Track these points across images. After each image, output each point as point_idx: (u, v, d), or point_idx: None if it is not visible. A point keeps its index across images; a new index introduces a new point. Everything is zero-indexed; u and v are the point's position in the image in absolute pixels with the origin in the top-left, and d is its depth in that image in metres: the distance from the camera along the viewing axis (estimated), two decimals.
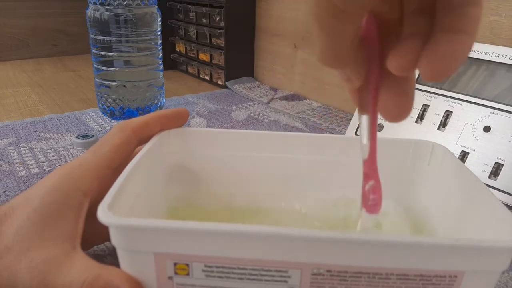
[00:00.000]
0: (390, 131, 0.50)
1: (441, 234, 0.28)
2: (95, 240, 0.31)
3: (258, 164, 0.33)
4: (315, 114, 0.65)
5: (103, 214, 0.20)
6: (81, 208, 0.25)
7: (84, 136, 0.52)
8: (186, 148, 0.33)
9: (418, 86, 0.49)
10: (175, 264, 0.21)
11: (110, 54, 0.59)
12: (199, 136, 0.33)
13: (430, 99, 0.48)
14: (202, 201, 0.33)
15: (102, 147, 0.28)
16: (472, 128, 0.44)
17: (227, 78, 0.82)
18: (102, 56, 0.59)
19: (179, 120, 0.32)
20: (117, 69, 0.60)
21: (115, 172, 0.27)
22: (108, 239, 0.21)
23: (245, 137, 0.33)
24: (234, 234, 0.20)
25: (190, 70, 0.93)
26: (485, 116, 0.43)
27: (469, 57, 0.46)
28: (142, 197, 0.27)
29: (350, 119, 0.62)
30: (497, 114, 0.43)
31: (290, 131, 0.59)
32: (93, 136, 0.53)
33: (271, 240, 0.20)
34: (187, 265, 0.21)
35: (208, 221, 0.30)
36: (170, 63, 0.96)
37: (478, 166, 0.42)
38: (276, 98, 0.74)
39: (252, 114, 0.66)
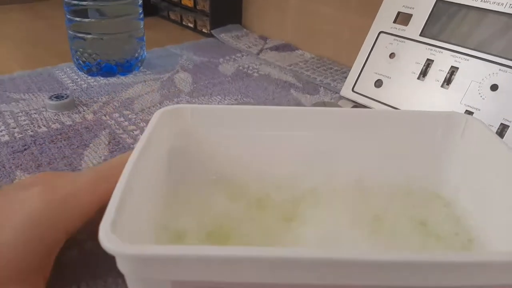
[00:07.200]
0: (390, 88, 0.47)
1: (476, 224, 0.27)
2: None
3: (271, 144, 0.30)
4: (308, 67, 0.61)
5: (108, 241, 0.17)
6: (56, 247, 0.23)
7: (58, 97, 0.48)
8: (189, 131, 0.30)
9: (421, 39, 0.45)
10: None
11: (84, 3, 0.53)
12: (203, 114, 0.30)
13: (434, 54, 0.44)
14: (211, 191, 0.30)
15: (105, 182, 0.24)
16: (479, 86, 0.41)
17: (213, 26, 0.76)
18: (74, 5, 0.53)
19: None
20: (92, 20, 0.54)
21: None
22: None
23: (255, 114, 0.30)
24: (271, 261, 0.17)
25: (172, 16, 0.86)
26: (493, 73, 0.40)
27: (480, 8, 0.42)
28: (145, 202, 0.24)
29: (345, 72, 0.59)
30: (506, 71, 0.39)
31: (281, 85, 0.55)
32: (68, 96, 0.48)
33: (315, 266, 0.17)
34: None
35: (221, 215, 0.28)
36: (150, 8, 0.89)
37: None
38: (266, 49, 0.69)
39: (240, 68, 0.61)
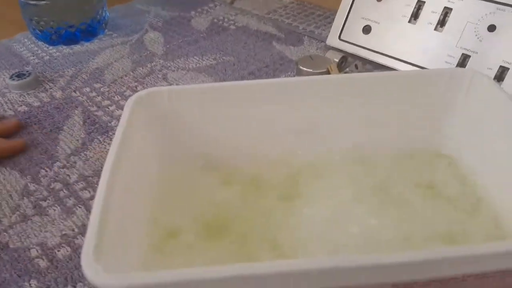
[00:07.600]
0: (379, 33, 0.43)
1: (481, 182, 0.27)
2: None
3: (258, 120, 0.28)
4: (288, 14, 0.57)
5: (91, 273, 0.16)
6: None
7: (19, 76, 0.44)
8: (169, 116, 0.28)
9: None
10: None
11: None
12: (181, 96, 0.27)
13: None
14: (202, 178, 0.29)
15: None
16: (475, 28, 0.38)
17: None
18: None
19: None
20: None
21: None
22: None
23: (237, 90, 0.28)
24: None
25: None
26: (490, 13, 0.37)
27: None
28: (131, 202, 0.23)
29: (329, 17, 0.55)
30: (504, 10, 0.36)
31: (262, 38, 0.51)
32: (30, 73, 0.44)
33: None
34: None
35: (216, 203, 0.26)
36: None
37: (480, 71, 0.38)
38: None
39: (215, 20, 0.57)
